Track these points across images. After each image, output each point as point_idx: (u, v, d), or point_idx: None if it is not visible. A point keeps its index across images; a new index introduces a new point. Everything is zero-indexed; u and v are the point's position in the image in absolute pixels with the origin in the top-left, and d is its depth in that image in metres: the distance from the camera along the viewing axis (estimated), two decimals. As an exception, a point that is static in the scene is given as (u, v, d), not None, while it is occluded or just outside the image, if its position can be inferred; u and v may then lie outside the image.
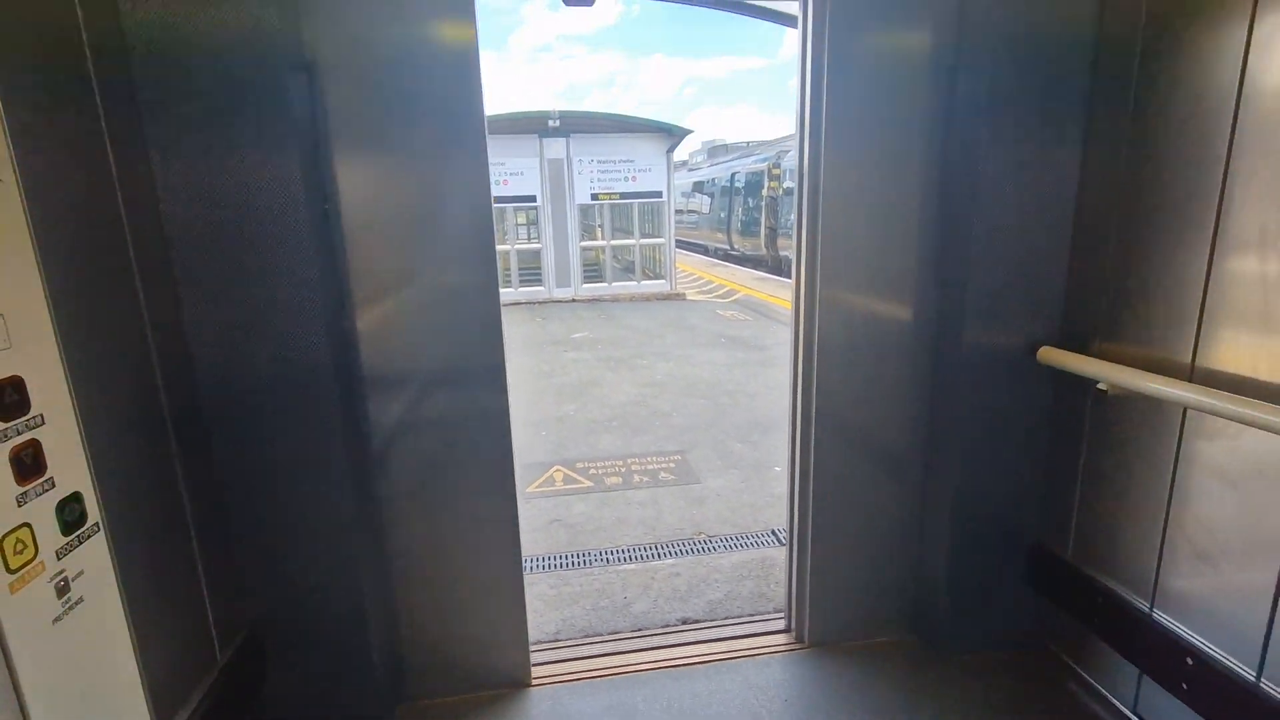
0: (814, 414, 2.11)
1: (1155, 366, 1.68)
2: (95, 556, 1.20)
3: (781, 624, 2.40)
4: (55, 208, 1.19)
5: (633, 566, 2.98)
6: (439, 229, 1.80)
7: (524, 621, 2.12)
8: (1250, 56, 1.42)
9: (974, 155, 1.84)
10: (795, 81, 1.97)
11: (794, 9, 1.93)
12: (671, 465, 4.28)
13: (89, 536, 1.19)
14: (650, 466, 4.27)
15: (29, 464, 1.06)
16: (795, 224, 2.07)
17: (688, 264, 16.96)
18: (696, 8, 2.90)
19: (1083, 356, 1.86)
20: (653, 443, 4.71)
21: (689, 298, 12.10)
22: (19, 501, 1.04)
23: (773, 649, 2.30)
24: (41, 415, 1.10)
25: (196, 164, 1.51)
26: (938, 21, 1.86)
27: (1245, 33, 1.43)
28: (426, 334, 1.86)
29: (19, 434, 1.05)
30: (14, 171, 1.07)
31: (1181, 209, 1.60)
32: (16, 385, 1.05)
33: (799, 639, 2.32)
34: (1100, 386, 1.77)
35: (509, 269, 11.70)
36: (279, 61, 1.52)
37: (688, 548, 3.16)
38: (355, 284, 1.77)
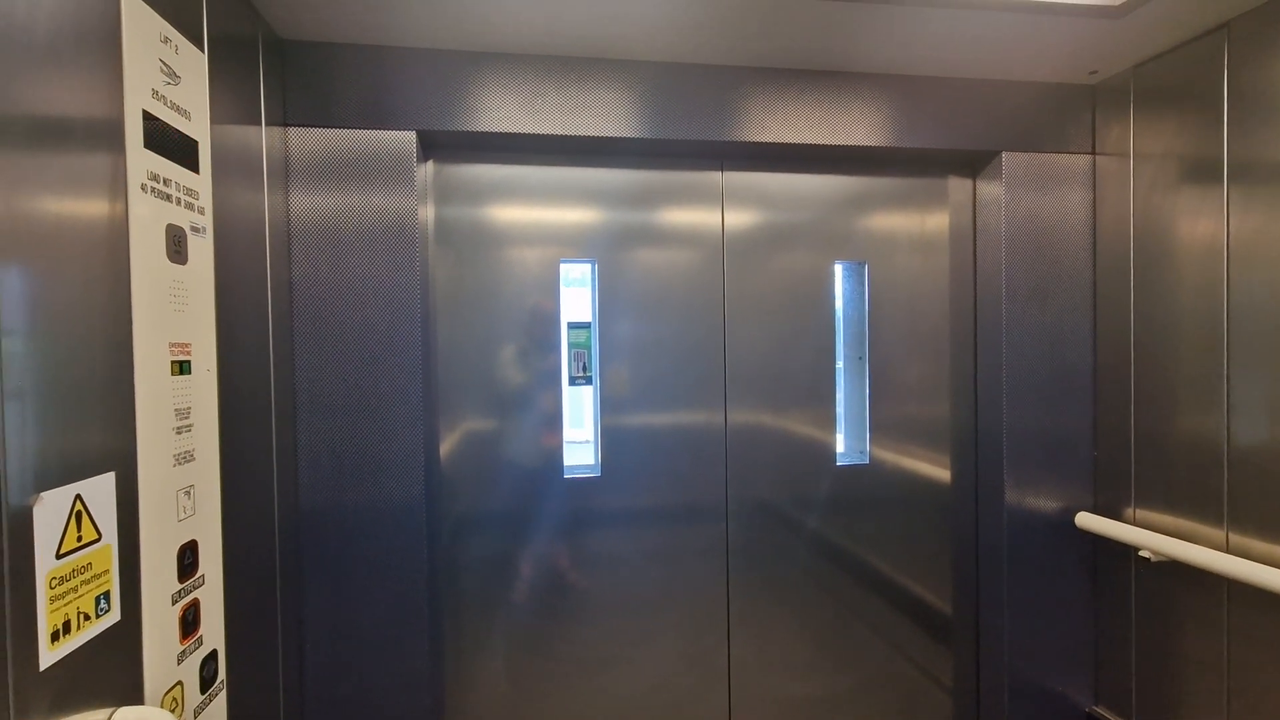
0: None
1: (1189, 533, 1.80)
2: (218, 717, 1.26)
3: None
4: (232, 389, 1.40)
5: None
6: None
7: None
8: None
9: (998, 332, 2.10)
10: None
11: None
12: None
13: (216, 695, 1.26)
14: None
15: (190, 622, 1.18)
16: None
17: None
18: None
19: (1118, 523, 1.98)
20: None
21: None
22: (179, 659, 1.14)
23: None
24: (204, 576, 1.23)
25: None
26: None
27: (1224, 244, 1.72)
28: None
29: (188, 594, 1.17)
30: (216, 362, 1.29)
31: (1192, 383, 1.80)
32: (193, 548, 1.19)
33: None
34: (1143, 553, 1.87)
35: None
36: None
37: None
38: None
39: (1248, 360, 1.66)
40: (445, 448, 1.97)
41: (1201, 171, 1.77)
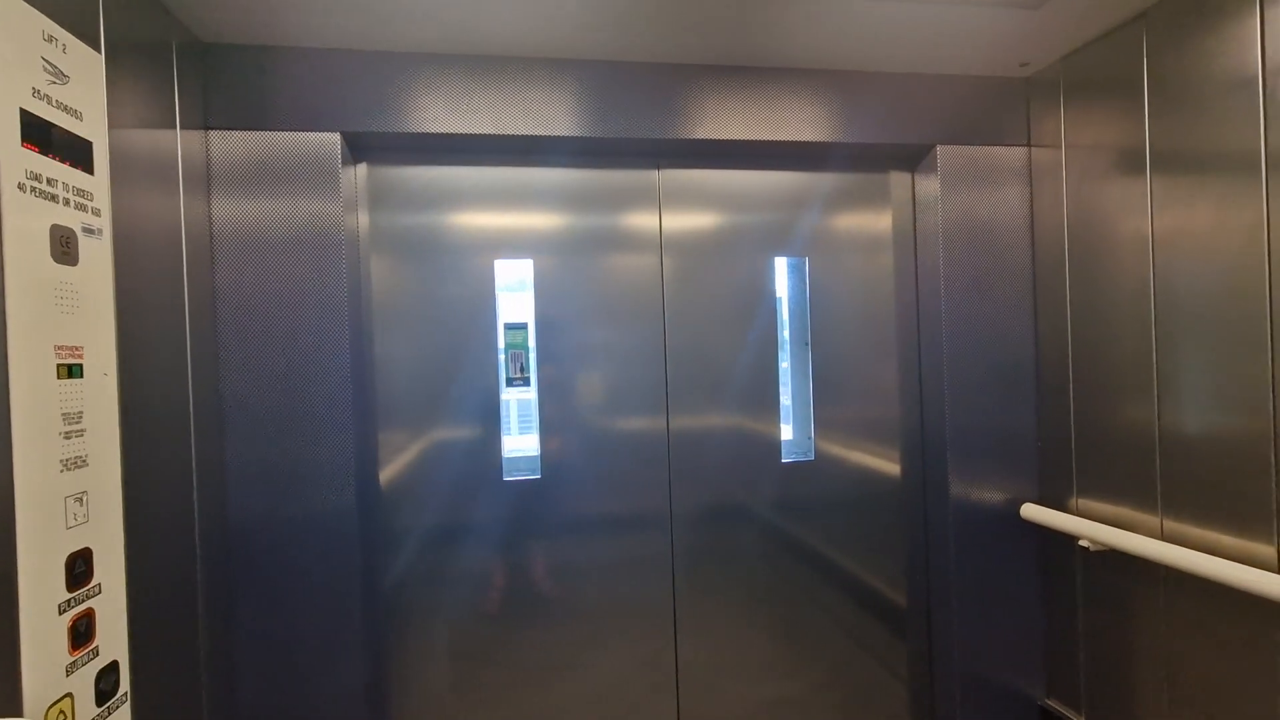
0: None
1: (1127, 521, 1.79)
2: (119, 730, 1.23)
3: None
4: (139, 394, 1.37)
5: None
6: (461, 402, 1.99)
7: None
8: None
9: (938, 325, 2.09)
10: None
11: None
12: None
13: (117, 708, 1.23)
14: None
15: (82, 633, 1.14)
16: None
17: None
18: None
19: (1059, 513, 1.97)
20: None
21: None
22: (68, 671, 1.11)
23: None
24: (100, 585, 1.19)
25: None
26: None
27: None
28: (443, 500, 1.98)
29: (80, 603, 1.14)
30: (116, 368, 1.26)
31: (1125, 372, 1.80)
32: (86, 557, 1.16)
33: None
34: (1082, 543, 1.86)
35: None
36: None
37: None
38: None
39: (1173, 349, 1.66)
40: (381, 453, 1.94)
41: (1127, 162, 1.78)
